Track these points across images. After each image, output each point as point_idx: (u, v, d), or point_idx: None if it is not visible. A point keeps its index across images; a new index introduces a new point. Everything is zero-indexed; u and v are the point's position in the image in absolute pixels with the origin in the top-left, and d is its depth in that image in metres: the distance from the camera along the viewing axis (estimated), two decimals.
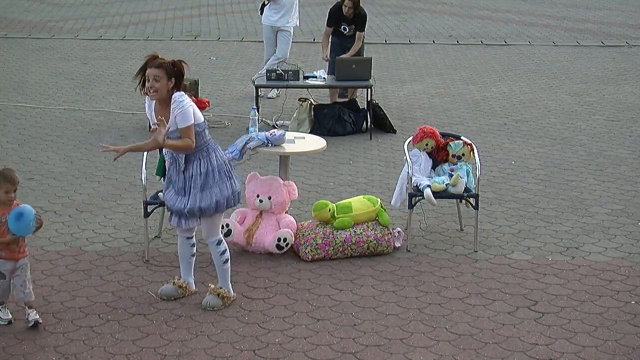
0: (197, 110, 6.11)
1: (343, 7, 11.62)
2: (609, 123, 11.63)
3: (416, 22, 20.30)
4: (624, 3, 23.47)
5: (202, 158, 6.13)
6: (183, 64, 6.11)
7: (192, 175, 6.13)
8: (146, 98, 6.16)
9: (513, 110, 12.27)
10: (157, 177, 7.42)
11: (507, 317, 6.21)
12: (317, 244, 7.12)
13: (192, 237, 6.49)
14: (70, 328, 5.94)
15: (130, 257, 7.15)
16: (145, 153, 7.21)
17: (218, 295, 6.31)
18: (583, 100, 12.91)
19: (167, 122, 5.98)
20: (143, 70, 6.05)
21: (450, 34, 18.74)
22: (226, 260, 6.35)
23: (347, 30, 11.75)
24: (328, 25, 11.92)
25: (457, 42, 17.93)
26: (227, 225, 7.16)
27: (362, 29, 11.81)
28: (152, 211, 7.12)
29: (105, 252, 7.23)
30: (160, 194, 7.08)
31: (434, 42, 17.91)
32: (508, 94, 13.33)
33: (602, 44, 17.78)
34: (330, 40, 11.99)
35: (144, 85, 6.05)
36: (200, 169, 6.12)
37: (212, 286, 6.37)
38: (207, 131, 6.18)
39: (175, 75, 6.04)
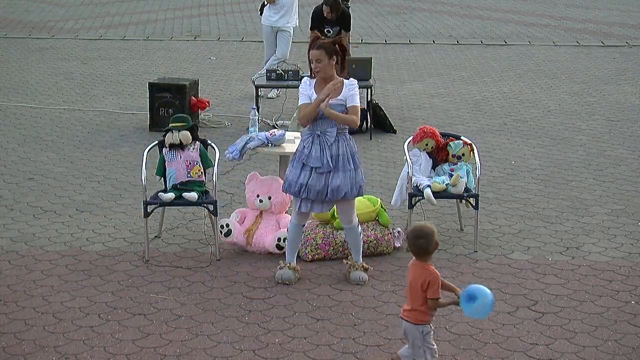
0: None
1: (323, 11, 11.51)
2: (609, 123, 11.63)
3: (416, 22, 20.30)
4: (624, 3, 23.46)
5: (345, 140, 6.50)
6: (342, 40, 6.51)
7: (340, 154, 6.44)
8: (305, 78, 6.48)
9: (513, 110, 12.27)
10: (157, 177, 7.42)
11: (507, 317, 6.21)
12: (317, 244, 7.12)
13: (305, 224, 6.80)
14: (70, 328, 5.94)
15: (130, 257, 7.14)
16: (145, 153, 7.27)
17: (365, 269, 6.75)
18: (583, 100, 12.90)
19: (333, 98, 6.35)
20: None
21: (450, 34, 18.73)
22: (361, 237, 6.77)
23: (332, 32, 11.57)
24: (312, 29, 11.48)
25: (457, 42, 17.92)
26: (227, 225, 7.16)
27: (347, 29, 11.69)
28: (152, 211, 7.12)
29: (105, 252, 7.23)
30: (163, 194, 7.09)
31: (434, 42, 17.90)
32: (508, 94, 13.33)
33: (602, 44, 17.78)
34: None
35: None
36: (345, 149, 6.46)
37: (356, 263, 6.72)
38: None
39: (335, 53, 6.39)
